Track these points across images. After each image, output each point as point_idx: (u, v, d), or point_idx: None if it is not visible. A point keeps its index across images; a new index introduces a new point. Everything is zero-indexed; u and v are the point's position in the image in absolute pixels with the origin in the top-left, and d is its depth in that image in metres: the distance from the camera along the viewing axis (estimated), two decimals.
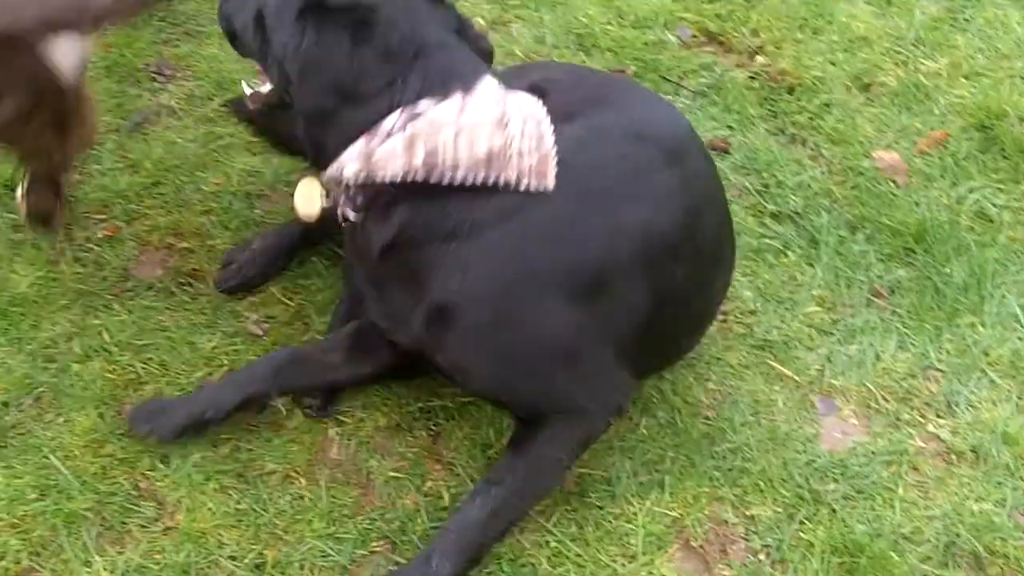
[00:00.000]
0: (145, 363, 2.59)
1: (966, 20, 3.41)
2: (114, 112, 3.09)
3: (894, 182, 2.96)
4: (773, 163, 3.00)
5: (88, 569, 2.28)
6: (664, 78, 3.21)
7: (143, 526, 2.35)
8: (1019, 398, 2.53)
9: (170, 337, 2.65)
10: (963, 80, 3.23)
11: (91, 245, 2.81)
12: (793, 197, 2.93)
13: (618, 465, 2.40)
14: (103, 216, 2.87)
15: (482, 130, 2.01)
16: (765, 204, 2.92)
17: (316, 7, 2.08)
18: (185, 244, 2.81)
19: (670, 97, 3.14)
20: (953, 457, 2.42)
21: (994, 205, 2.92)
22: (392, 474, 2.36)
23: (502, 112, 2.04)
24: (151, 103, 3.13)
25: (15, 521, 2.33)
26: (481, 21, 3.36)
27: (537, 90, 2.23)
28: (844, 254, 2.81)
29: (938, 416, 2.50)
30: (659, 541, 2.28)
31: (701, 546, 2.28)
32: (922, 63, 3.27)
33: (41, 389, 2.54)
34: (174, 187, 2.92)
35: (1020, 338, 2.64)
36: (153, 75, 3.20)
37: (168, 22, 3.33)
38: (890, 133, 3.09)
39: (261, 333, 2.64)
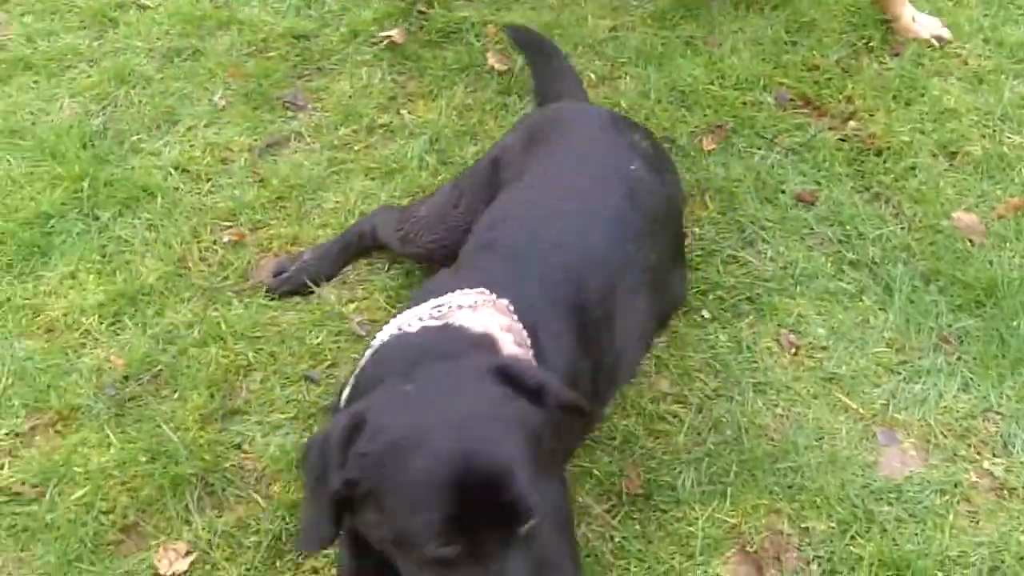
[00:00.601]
0: (256, 352, 2.84)
1: None
2: (248, 134, 3.40)
3: (971, 241, 3.08)
4: (856, 217, 3.15)
5: (188, 527, 2.50)
6: (759, 135, 3.39)
7: (241, 494, 2.56)
8: None
9: (281, 331, 2.89)
10: None
11: (217, 247, 3.09)
12: (872, 248, 3.07)
13: (684, 474, 2.56)
14: (230, 223, 3.16)
15: None
16: (844, 253, 3.06)
17: None
18: (291, 249, 3.07)
19: (763, 152, 3.33)
20: (1005, 492, 2.51)
21: None
22: None
23: None
24: (283, 129, 3.41)
25: (125, 479, 2.58)
26: (592, 74, 3.60)
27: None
28: (916, 302, 2.93)
29: (994, 455, 2.60)
30: (717, 544, 2.41)
31: (756, 552, 2.40)
32: (1007, 136, 3.40)
33: (160, 367, 2.80)
34: (297, 203, 3.19)
35: None
36: (287, 104, 3.49)
37: (303, 58, 3.63)
38: (971, 197, 3.21)
39: (364, 334, 2.86)
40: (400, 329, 2.15)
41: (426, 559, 1.75)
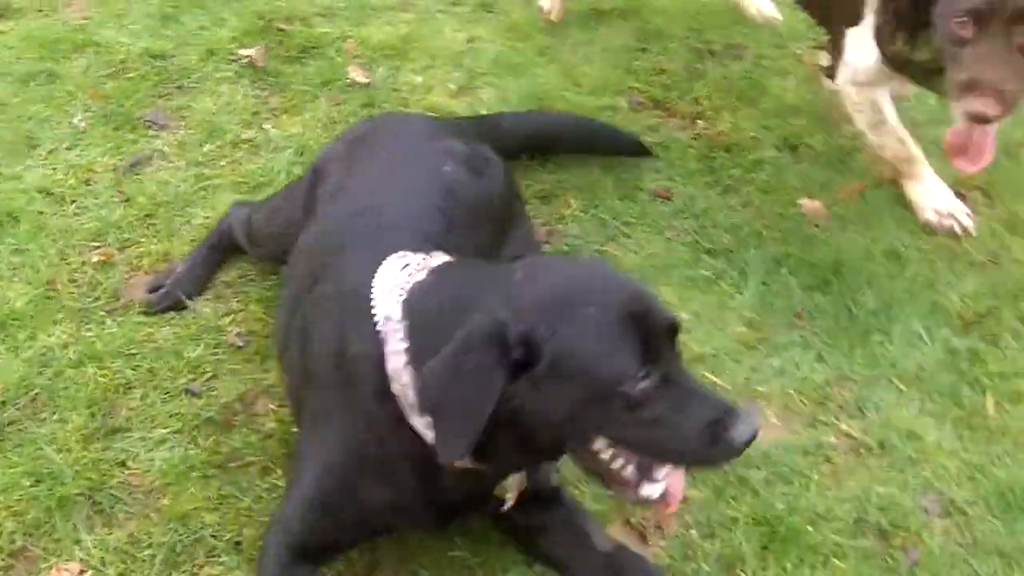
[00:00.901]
0: (134, 369, 2.83)
1: None
2: (111, 154, 3.40)
3: (816, 225, 3.29)
4: (709, 209, 3.33)
5: (79, 547, 2.48)
6: None
7: (130, 510, 2.56)
8: (921, 403, 2.82)
9: (158, 347, 2.89)
10: None
11: (86, 268, 3.07)
12: (726, 236, 3.24)
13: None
14: (98, 243, 3.15)
15: None
16: (701, 242, 3.23)
17: None
18: (163, 266, 3.08)
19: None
20: (863, 451, 2.69)
21: (904, 246, 3.25)
22: None
23: None
24: (146, 148, 3.42)
25: (10, 504, 2.54)
26: (452, 85, 3.71)
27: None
28: (769, 284, 3.11)
29: (850, 417, 2.78)
30: (602, 519, 2.51)
31: (639, 523, 2.52)
32: (844, 129, 3.64)
33: (36, 390, 2.77)
34: (165, 220, 3.20)
35: (923, 353, 2.94)
36: (148, 124, 3.50)
37: (163, 78, 3.65)
38: (814, 185, 3.43)
39: (242, 344, 2.89)
40: (402, 295, 2.16)
41: (630, 400, 1.87)
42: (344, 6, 4.04)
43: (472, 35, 3.97)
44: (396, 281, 2.17)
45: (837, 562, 2.43)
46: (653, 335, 1.90)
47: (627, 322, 1.89)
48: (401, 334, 2.07)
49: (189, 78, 3.68)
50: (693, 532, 2.50)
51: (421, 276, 2.17)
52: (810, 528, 2.48)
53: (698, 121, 3.63)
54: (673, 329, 1.96)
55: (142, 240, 3.15)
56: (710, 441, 1.90)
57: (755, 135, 3.57)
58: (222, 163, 3.40)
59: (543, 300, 1.93)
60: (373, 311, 2.13)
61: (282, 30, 3.85)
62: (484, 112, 3.59)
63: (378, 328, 2.10)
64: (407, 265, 2.21)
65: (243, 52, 3.73)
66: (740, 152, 3.52)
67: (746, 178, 3.44)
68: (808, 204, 3.36)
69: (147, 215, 3.21)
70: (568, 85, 3.74)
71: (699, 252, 3.22)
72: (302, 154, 3.43)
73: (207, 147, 3.44)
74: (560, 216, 3.29)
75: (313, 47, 3.82)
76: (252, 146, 3.47)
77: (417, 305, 2.10)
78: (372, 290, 2.17)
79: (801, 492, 2.57)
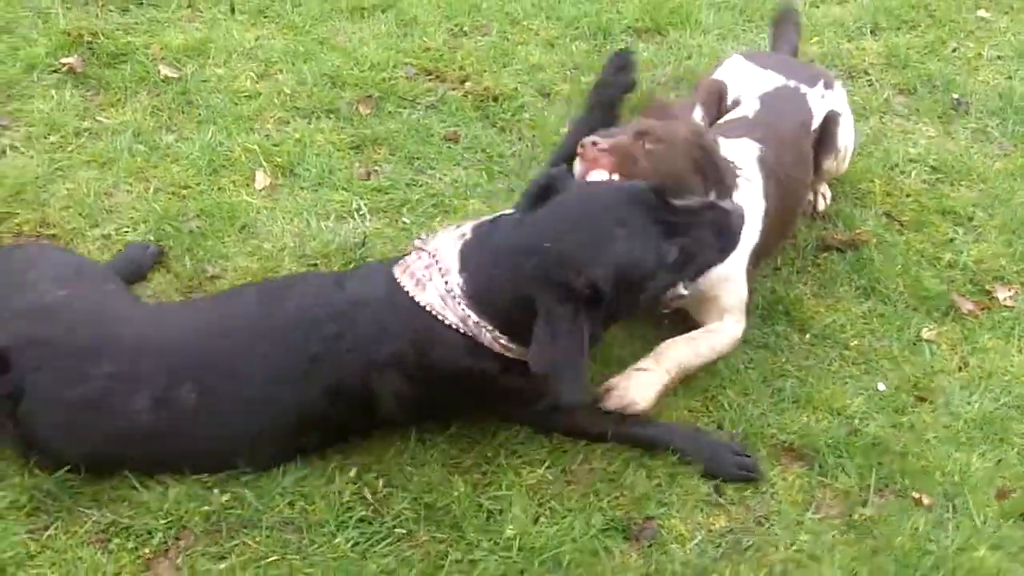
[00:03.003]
0: None
1: (607, 50, 4.70)
2: None
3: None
4: (492, 144, 4.10)
5: None
6: (401, 99, 4.27)
7: None
8: None
9: None
10: None
11: None
12: (511, 161, 4.02)
13: None
14: None
15: None
16: (493, 168, 3.98)
17: None
18: (53, 231, 3.53)
19: (409, 110, 4.20)
20: None
21: None
22: None
23: None
24: None
25: None
26: (252, 73, 4.31)
27: None
28: None
29: None
30: None
31: None
32: (582, 78, 4.50)
33: None
34: (34, 194, 3.65)
35: None
36: None
37: None
38: (567, 118, 4.26)
39: None
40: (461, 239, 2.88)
41: (671, 265, 2.80)
42: (137, 21, 4.54)
43: (258, 34, 4.58)
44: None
45: None
46: (664, 212, 2.74)
47: (643, 217, 2.71)
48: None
49: (16, 88, 4.10)
50: None
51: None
52: None
53: (466, 83, 4.40)
54: (662, 192, 2.76)
55: (19, 212, 3.57)
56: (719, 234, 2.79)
57: (515, 87, 4.37)
58: (70, 148, 3.86)
59: (583, 242, 2.70)
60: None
61: (91, 43, 4.32)
62: (287, 91, 4.22)
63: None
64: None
65: (64, 60, 4.18)
66: (505, 101, 4.30)
67: (515, 119, 4.23)
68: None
69: (17, 192, 3.64)
70: (352, 65, 4.41)
71: (492, 175, 3.96)
72: (138, 135, 3.95)
73: (52, 138, 3.90)
74: (374, 160, 3.97)
75: (122, 53, 4.31)
76: (92, 133, 3.95)
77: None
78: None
79: None
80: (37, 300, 2.83)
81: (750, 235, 3.25)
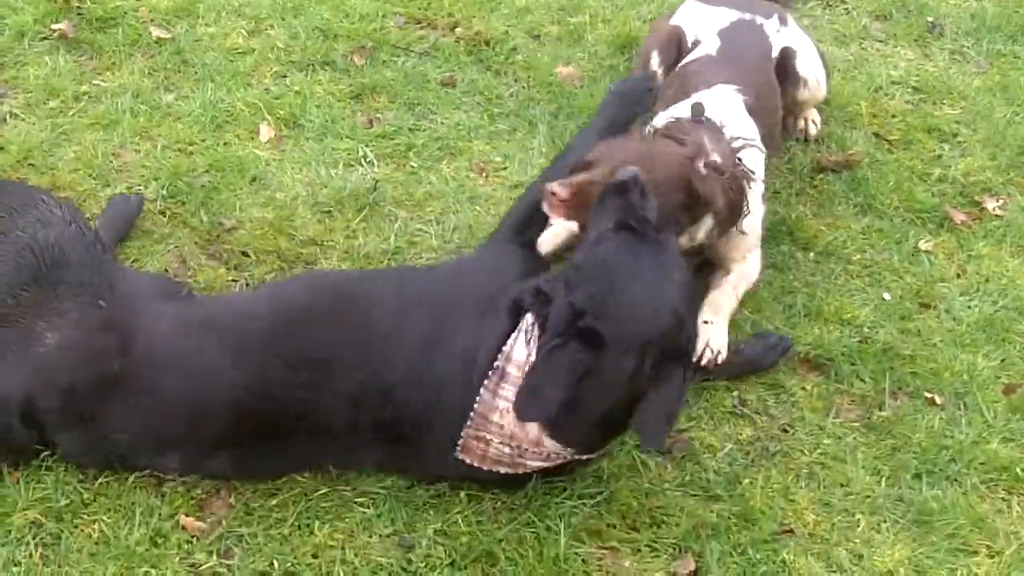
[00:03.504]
0: None
1: None
2: None
3: (575, 85, 4.19)
4: (489, 86, 4.16)
5: None
6: (395, 47, 4.30)
7: None
8: None
9: None
10: (600, 24, 4.55)
11: None
12: (510, 102, 4.09)
13: None
14: None
15: None
16: (493, 109, 4.04)
17: None
18: (65, 193, 3.55)
19: (403, 59, 4.25)
20: None
21: None
22: None
23: None
24: None
25: None
26: (243, 30, 4.33)
27: None
28: (554, 128, 3.98)
29: None
30: None
31: None
32: (568, 18, 4.56)
33: None
34: (41, 158, 3.67)
35: None
36: None
37: None
38: (561, 59, 4.32)
39: None
40: None
41: None
42: None
43: None
44: None
45: None
46: None
47: None
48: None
49: (8, 56, 4.08)
50: None
51: None
52: None
53: (456, 29, 4.44)
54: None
55: (29, 176, 3.60)
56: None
57: (506, 31, 4.42)
58: (71, 112, 3.87)
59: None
60: None
61: (79, 8, 4.31)
62: (280, 45, 4.25)
63: None
64: None
65: (55, 26, 4.17)
66: (497, 44, 4.35)
67: (509, 61, 4.28)
68: (563, 71, 4.25)
69: (24, 157, 3.66)
70: (342, 18, 4.44)
71: (492, 117, 4.03)
72: (138, 96, 3.97)
73: (52, 103, 3.90)
74: (375, 108, 4.02)
75: (111, 18, 4.30)
76: (91, 97, 3.95)
77: None
78: None
79: None
80: None
81: (760, 177, 3.35)
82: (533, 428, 2.61)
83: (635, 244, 2.64)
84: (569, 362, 2.49)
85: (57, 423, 2.70)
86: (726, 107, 3.39)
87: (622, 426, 2.67)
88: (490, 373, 2.64)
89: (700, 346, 3.14)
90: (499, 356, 2.65)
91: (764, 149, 3.40)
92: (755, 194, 3.26)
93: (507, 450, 2.67)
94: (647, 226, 2.68)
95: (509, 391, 2.59)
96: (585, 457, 2.78)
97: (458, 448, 2.69)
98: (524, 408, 2.52)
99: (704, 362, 3.13)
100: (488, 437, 2.66)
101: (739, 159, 3.14)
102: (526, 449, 2.67)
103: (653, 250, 2.65)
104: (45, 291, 2.79)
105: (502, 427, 2.64)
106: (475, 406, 2.64)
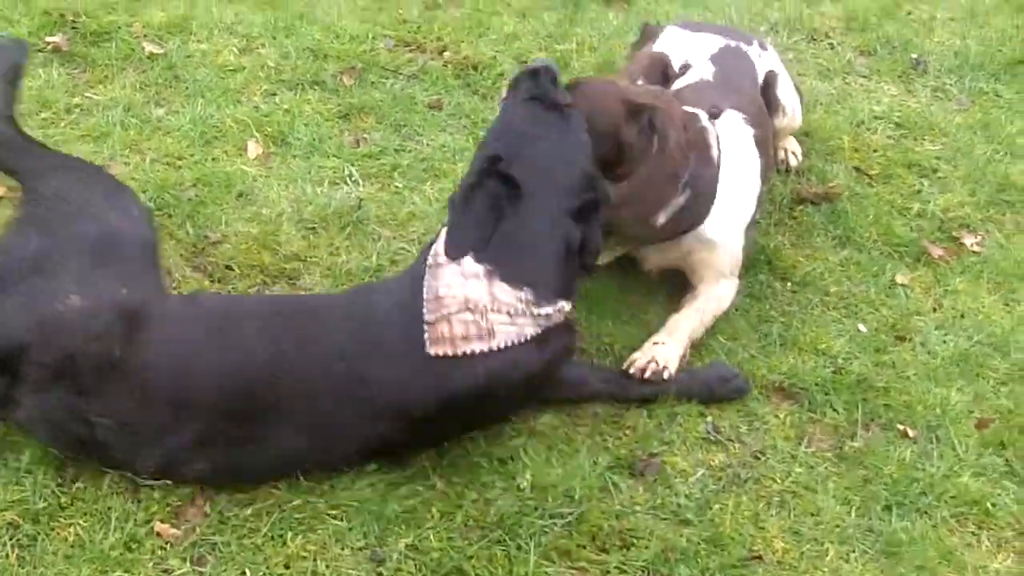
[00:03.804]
0: None
1: (578, 19, 4.85)
2: None
3: None
4: (475, 110, 4.22)
5: None
6: (384, 69, 4.37)
7: None
8: None
9: None
10: (587, 51, 4.62)
11: None
12: None
13: None
14: None
15: None
16: (476, 133, 4.10)
17: None
18: None
19: (391, 80, 4.31)
20: None
21: None
22: None
23: None
24: None
25: None
26: (235, 48, 4.39)
27: None
28: None
29: None
30: None
31: None
32: (556, 46, 4.63)
33: None
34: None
35: None
36: None
37: None
38: None
39: None
40: None
41: None
42: (117, 0, 4.60)
43: (237, 10, 4.65)
44: None
45: None
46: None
47: None
48: None
49: None
50: None
51: None
52: None
53: (444, 53, 4.51)
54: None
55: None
56: None
57: (493, 56, 4.49)
58: (63, 124, 3.92)
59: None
60: None
61: (74, 23, 4.36)
62: (271, 64, 4.30)
63: None
64: None
65: (49, 39, 4.22)
66: (485, 69, 4.43)
67: (496, 86, 4.34)
68: None
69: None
70: (333, 39, 4.51)
71: (477, 140, 4.04)
72: (129, 109, 4.01)
73: (44, 114, 3.94)
74: (362, 128, 4.07)
75: (106, 32, 4.36)
76: (83, 110, 4.00)
77: None
78: None
79: None
80: None
81: (745, 208, 3.41)
82: (480, 283, 2.73)
83: (543, 112, 2.92)
84: (487, 198, 2.75)
85: (38, 382, 2.71)
86: (735, 137, 3.47)
87: (561, 263, 2.81)
88: (425, 270, 2.78)
89: (644, 360, 3.19)
90: (429, 255, 2.81)
91: (762, 182, 3.47)
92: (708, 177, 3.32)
93: (469, 317, 2.71)
94: (555, 99, 2.92)
95: (446, 271, 2.74)
96: (544, 314, 2.79)
97: (427, 344, 2.72)
98: (450, 245, 2.73)
99: (647, 375, 3.18)
100: (445, 312, 2.71)
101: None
102: (487, 308, 2.72)
103: (561, 117, 2.92)
104: (95, 267, 2.89)
105: (455, 296, 2.71)
106: (424, 296, 2.73)
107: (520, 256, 2.77)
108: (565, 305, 2.84)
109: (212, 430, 2.72)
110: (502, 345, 2.74)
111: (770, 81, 3.87)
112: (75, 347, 2.69)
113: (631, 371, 3.20)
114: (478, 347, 2.73)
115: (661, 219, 3.25)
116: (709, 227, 3.38)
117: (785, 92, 3.91)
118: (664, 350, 3.25)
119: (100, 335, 2.71)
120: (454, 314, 2.72)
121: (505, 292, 2.74)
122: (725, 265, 3.44)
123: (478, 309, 2.72)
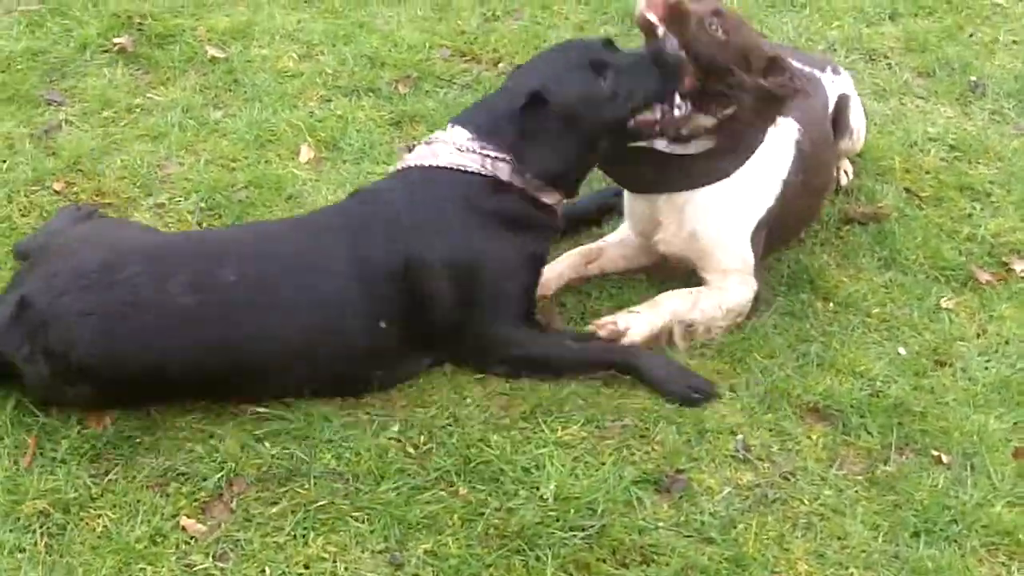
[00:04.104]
0: None
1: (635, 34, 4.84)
2: (24, 125, 3.99)
3: None
4: None
5: None
6: (439, 78, 4.44)
7: None
8: None
9: None
10: None
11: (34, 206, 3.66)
12: None
13: None
14: (36, 188, 3.73)
15: None
16: None
17: None
18: (109, 200, 3.71)
19: (445, 90, 4.37)
20: None
21: None
22: None
23: None
24: (54, 118, 4.02)
25: None
26: (294, 54, 4.48)
27: None
28: None
29: None
30: None
31: None
32: None
33: None
34: (91, 164, 3.83)
35: None
36: (49, 101, 4.10)
37: (49, 67, 4.30)
38: None
39: None
40: None
41: None
42: (184, 4, 4.73)
43: (299, 18, 4.75)
44: None
45: None
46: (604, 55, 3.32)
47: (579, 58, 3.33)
48: None
49: (70, 66, 4.29)
50: None
51: None
52: None
53: (499, 64, 4.56)
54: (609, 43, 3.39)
55: (76, 181, 3.76)
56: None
57: None
58: (123, 123, 4.05)
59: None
60: None
61: (140, 25, 4.50)
62: (329, 71, 4.39)
63: None
64: None
65: (116, 40, 4.36)
66: None
67: None
68: None
69: (74, 162, 3.83)
70: (390, 47, 4.58)
71: None
72: (187, 111, 4.12)
73: (106, 113, 4.08)
74: (413, 136, 4.13)
75: (171, 35, 4.49)
76: (144, 110, 4.13)
77: None
78: None
79: None
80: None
81: (758, 204, 3.43)
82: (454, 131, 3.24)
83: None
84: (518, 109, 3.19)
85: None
86: (777, 144, 3.50)
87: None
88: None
89: (608, 319, 3.28)
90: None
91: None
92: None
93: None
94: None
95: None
96: (486, 153, 3.19)
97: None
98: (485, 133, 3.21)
99: (604, 333, 3.24)
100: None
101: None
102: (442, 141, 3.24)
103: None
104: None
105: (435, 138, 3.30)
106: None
107: (483, 115, 3.27)
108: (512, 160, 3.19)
109: None
110: (443, 164, 3.18)
111: (842, 105, 3.88)
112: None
113: (597, 332, 3.27)
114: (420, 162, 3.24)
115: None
116: (713, 212, 3.43)
117: (855, 116, 3.92)
118: (633, 318, 3.30)
119: None
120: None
121: (460, 135, 3.21)
122: (729, 259, 3.46)
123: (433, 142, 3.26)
